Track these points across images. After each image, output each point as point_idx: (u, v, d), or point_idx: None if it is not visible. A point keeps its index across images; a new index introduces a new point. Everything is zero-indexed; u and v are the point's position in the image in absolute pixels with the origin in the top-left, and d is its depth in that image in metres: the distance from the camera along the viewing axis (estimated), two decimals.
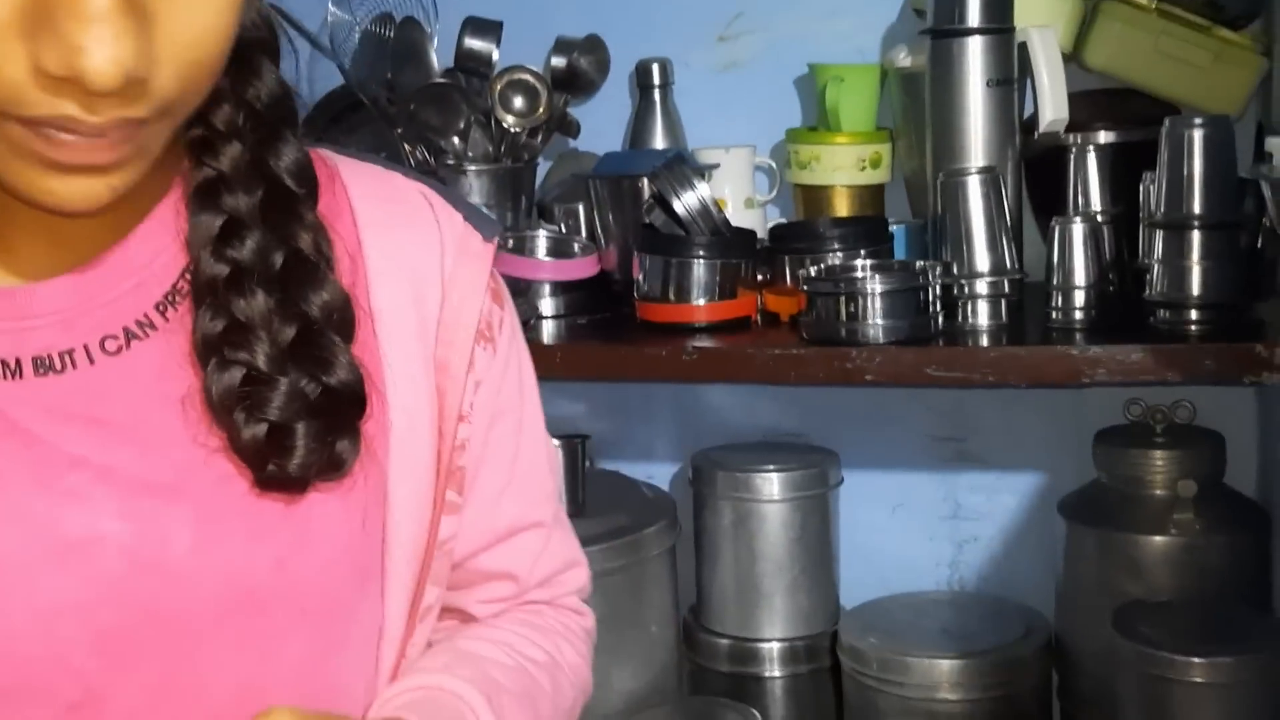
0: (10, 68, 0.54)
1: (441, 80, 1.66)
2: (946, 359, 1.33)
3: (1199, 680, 1.27)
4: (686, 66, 1.73)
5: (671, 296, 1.48)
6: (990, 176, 1.41)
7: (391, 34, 1.68)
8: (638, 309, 1.51)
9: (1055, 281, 1.37)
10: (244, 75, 0.67)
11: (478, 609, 0.80)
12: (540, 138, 1.67)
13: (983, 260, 1.40)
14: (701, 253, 1.47)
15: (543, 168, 1.77)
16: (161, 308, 0.66)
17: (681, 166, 1.50)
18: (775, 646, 1.65)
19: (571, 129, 1.71)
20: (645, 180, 1.56)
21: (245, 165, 0.67)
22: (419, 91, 1.63)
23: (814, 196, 1.65)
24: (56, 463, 0.62)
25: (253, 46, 0.67)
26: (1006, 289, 1.40)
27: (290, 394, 0.65)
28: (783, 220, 1.69)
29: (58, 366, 0.64)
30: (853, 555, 1.72)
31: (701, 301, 1.48)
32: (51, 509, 0.62)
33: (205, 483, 0.64)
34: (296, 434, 0.65)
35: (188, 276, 0.67)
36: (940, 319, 1.38)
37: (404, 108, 1.63)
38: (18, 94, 0.54)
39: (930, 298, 1.37)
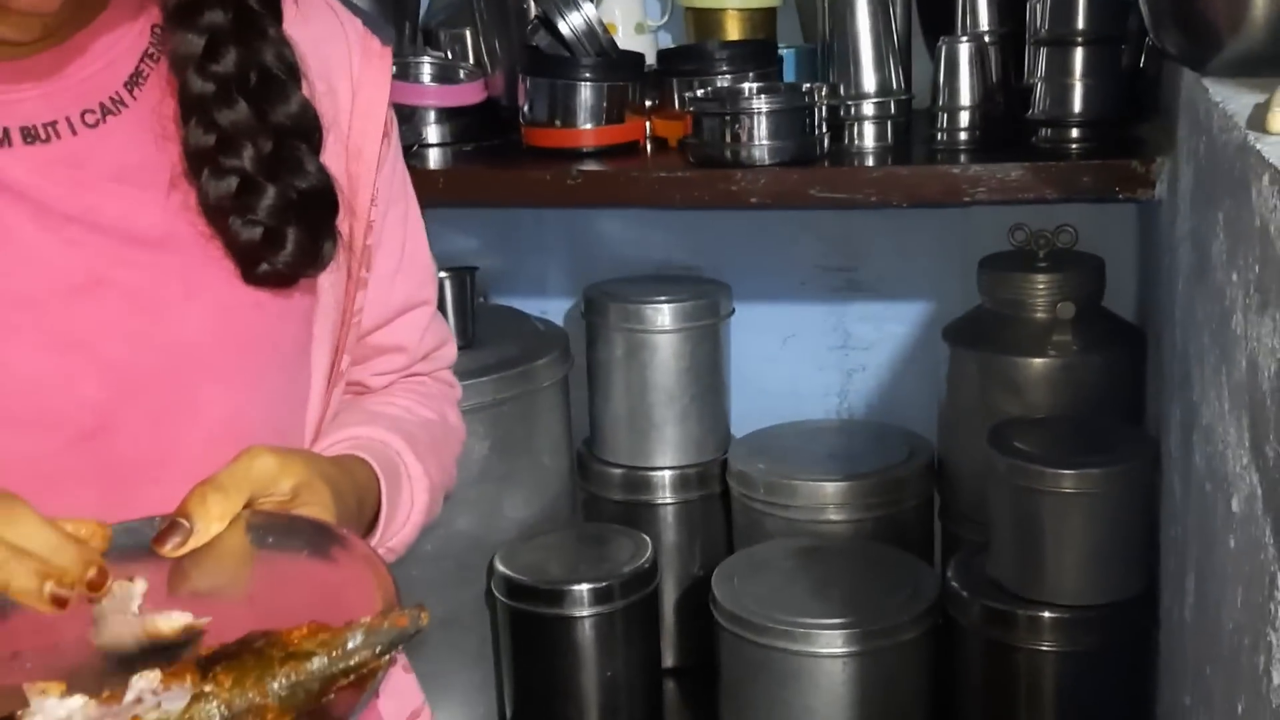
0: None
1: None
2: (830, 179, 1.33)
3: (1068, 490, 1.31)
4: None
5: (557, 121, 1.46)
6: None
7: None
8: (524, 135, 1.48)
9: (940, 102, 1.37)
10: None
11: (373, 380, 0.88)
12: None
13: (869, 81, 1.39)
14: (587, 75, 1.44)
15: None
16: (129, 86, 0.72)
17: None
18: (667, 474, 1.67)
19: None
20: (531, 1, 1.51)
21: None
22: None
23: (705, 20, 1.61)
24: (52, 218, 0.69)
25: None
26: (893, 110, 1.39)
27: (278, 199, 0.72)
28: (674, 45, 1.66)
29: (43, 136, 0.70)
30: (744, 386, 1.74)
31: (588, 126, 1.45)
32: (56, 254, 0.69)
33: (188, 239, 0.72)
34: (288, 236, 0.73)
35: (148, 59, 0.73)
36: (826, 141, 1.37)
37: None
38: None
39: (816, 119, 1.36)
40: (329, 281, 0.79)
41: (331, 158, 0.77)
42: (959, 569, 1.43)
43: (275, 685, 0.57)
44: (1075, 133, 1.31)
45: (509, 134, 1.52)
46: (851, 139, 1.39)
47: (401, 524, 0.81)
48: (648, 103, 1.50)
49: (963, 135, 1.36)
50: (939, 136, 1.37)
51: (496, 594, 1.57)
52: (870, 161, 1.36)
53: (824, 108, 1.36)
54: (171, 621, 0.59)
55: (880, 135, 1.39)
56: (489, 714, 1.64)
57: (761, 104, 1.34)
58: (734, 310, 1.70)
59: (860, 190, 1.32)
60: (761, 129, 1.34)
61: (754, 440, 1.69)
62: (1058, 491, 1.31)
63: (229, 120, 0.72)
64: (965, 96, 1.36)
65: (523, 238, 1.84)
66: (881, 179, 1.32)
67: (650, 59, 1.55)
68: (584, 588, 1.52)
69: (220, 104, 0.72)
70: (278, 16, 0.75)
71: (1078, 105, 1.30)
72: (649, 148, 1.48)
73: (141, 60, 0.73)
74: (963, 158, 1.33)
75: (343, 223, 0.78)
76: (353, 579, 0.63)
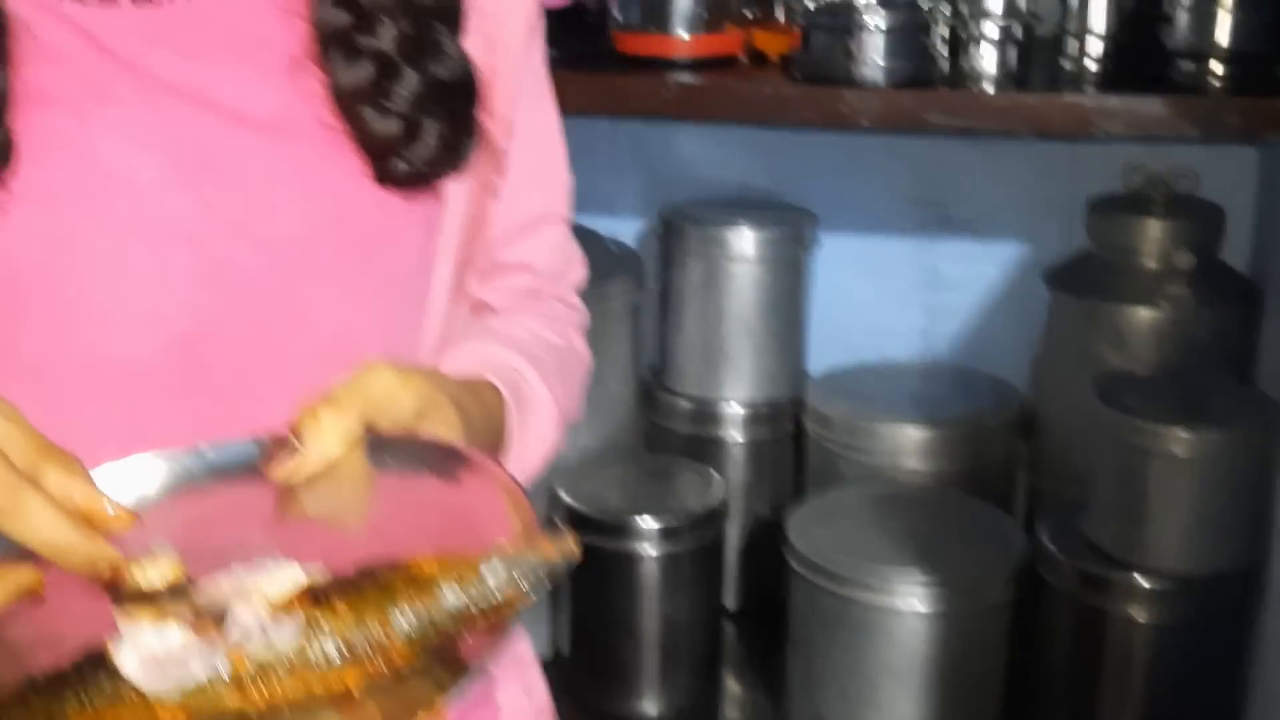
0: None
1: None
2: (949, 104, 1.23)
3: (1181, 452, 1.23)
4: None
5: (651, 27, 1.36)
6: None
7: None
8: (614, 40, 1.39)
9: (1071, 27, 1.27)
10: None
11: (496, 299, 0.80)
12: None
13: (994, 0, 1.29)
14: None
15: None
16: None
17: None
18: (738, 410, 1.60)
19: None
20: None
21: None
22: None
23: None
24: (156, 89, 0.62)
25: None
26: (1019, 34, 1.29)
27: (419, 86, 0.65)
28: None
29: None
30: (823, 320, 1.65)
31: (684, 34, 1.36)
32: (158, 131, 0.61)
33: (310, 128, 0.64)
34: (428, 130, 0.65)
35: None
36: (946, 63, 1.27)
37: None
38: None
39: (935, 39, 1.26)
40: (459, 187, 0.71)
41: (471, 46, 0.69)
42: (1052, 528, 1.35)
43: (402, 620, 0.48)
44: (1219, 67, 1.21)
45: (597, 38, 1.43)
46: (972, 62, 1.29)
47: (530, 458, 0.73)
48: (748, 14, 1.41)
49: (1093, 64, 1.26)
50: (1068, 65, 1.27)
51: (556, 522, 1.50)
52: (992, 88, 1.26)
53: (946, 27, 1.26)
54: (280, 586, 0.49)
55: (1003, 60, 1.29)
56: (541, 647, 1.58)
57: (878, 20, 1.24)
58: (819, 240, 1.61)
59: (981, 118, 1.23)
60: (877, 47, 1.24)
61: (832, 379, 1.61)
62: (1170, 452, 1.23)
63: None
64: (1099, 22, 1.26)
65: (595, 153, 1.75)
66: (1005, 107, 1.22)
67: None
68: (651, 524, 1.46)
69: None
70: None
71: (1224, 38, 1.20)
72: (748, 61, 1.38)
73: None
74: (1094, 88, 1.23)
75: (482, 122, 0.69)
76: (485, 504, 0.55)
